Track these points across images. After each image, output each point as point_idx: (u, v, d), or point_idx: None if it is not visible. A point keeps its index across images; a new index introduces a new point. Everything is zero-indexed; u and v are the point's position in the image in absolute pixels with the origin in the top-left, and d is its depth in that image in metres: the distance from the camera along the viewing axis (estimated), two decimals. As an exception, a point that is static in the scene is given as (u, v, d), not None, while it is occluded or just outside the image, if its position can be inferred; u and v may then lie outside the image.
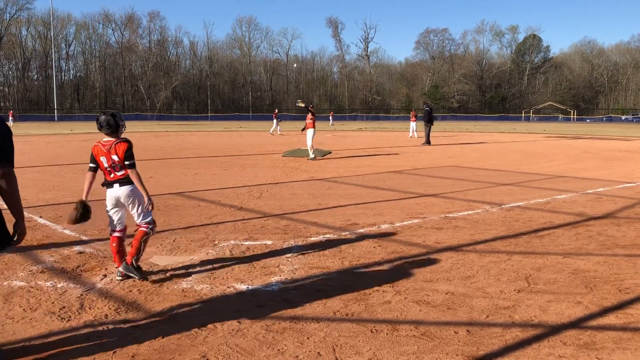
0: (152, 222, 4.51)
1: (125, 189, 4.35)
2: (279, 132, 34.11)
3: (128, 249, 4.57)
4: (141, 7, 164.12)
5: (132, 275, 4.40)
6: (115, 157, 4.31)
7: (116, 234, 4.50)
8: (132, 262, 4.42)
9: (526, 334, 3.46)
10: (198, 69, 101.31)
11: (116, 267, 4.52)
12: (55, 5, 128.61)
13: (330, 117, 63.05)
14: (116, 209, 4.43)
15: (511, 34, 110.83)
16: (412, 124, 29.90)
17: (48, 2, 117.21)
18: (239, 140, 27.15)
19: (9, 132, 2.89)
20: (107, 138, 4.37)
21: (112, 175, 4.34)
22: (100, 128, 4.37)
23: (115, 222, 4.47)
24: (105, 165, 4.34)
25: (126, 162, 4.30)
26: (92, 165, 4.41)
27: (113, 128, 4.35)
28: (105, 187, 4.40)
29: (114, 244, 4.49)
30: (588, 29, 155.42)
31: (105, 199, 4.45)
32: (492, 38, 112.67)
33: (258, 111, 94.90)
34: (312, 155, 16.31)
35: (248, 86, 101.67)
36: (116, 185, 4.34)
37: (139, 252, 4.45)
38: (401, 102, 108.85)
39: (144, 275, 4.46)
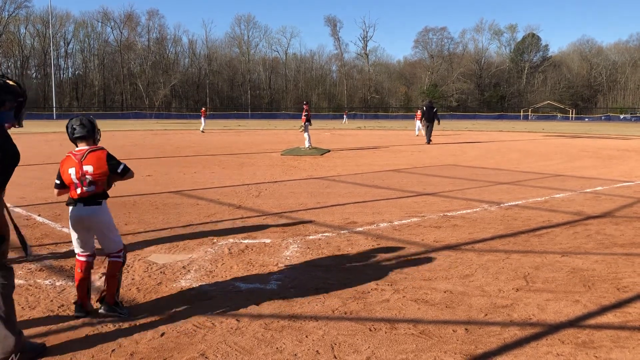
0: (124, 249, 3.83)
1: (91, 209, 3.63)
2: (202, 130, 34.48)
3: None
4: (140, 5, 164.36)
5: (118, 314, 3.66)
6: (88, 168, 3.58)
7: (81, 258, 3.74)
8: (115, 301, 3.70)
9: (524, 332, 3.46)
10: (197, 67, 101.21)
11: (75, 302, 3.74)
12: (54, 3, 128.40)
13: (345, 116, 64.41)
14: (81, 231, 3.70)
15: (510, 32, 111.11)
16: (418, 123, 30.11)
17: (47, 0, 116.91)
18: (237, 139, 27.13)
19: (4, 155, 2.79)
20: (79, 147, 3.68)
21: (78, 191, 3.60)
22: (73, 132, 3.66)
23: (79, 245, 3.74)
24: (73, 177, 3.59)
25: (118, 171, 3.66)
26: (57, 181, 3.68)
27: (88, 128, 3.66)
28: (68, 206, 3.70)
29: (78, 270, 3.72)
30: (587, 28, 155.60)
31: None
32: (491, 37, 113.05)
33: (257, 110, 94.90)
34: (307, 144, 18.92)
35: (247, 85, 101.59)
36: (80, 205, 3.61)
37: (118, 288, 3.76)
38: (400, 101, 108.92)
39: (130, 312, 3.74)
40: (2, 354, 2.95)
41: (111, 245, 3.76)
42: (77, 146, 3.72)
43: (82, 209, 3.63)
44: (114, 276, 3.72)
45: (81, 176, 3.60)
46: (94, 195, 3.64)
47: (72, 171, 3.61)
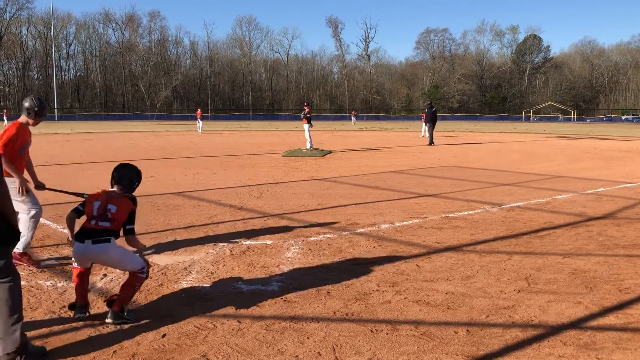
0: (147, 265, 3.83)
1: (99, 247, 3.59)
2: (200, 131, 34.76)
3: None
4: (141, 7, 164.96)
5: (124, 321, 3.59)
6: (112, 207, 3.70)
7: (79, 267, 3.74)
8: (122, 308, 3.62)
9: (526, 334, 3.46)
10: (198, 68, 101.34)
11: (73, 303, 3.73)
12: (56, 4, 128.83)
13: (353, 117, 64.26)
14: (85, 263, 3.71)
15: (511, 34, 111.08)
16: (424, 125, 30.24)
17: (48, 2, 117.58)
18: (239, 140, 27.15)
19: None
20: (113, 188, 3.88)
21: (92, 223, 3.64)
22: (115, 178, 3.87)
23: (78, 264, 3.72)
24: (95, 210, 3.68)
25: (127, 227, 3.75)
26: (79, 207, 3.78)
27: (128, 182, 3.87)
28: (73, 240, 3.67)
29: (77, 275, 3.71)
30: (588, 29, 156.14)
31: None
32: (493, 38, 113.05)
33: (258, 111, 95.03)
34: (308, 146, 18.98)
35: (248, 86, 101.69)
36: (88, 242, 3.57)
37: (131, 298, 3.77)
38: (401, 102, 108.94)
39: (136, 316, 3.67)
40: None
41: (129, 268, 3.75)
42: (112, 187, 3.91)
43: (90, 246, 3.58)
44: (132, 286, 3.72)
45: (102, 211, 3.69)
46: (105, 231, 3.63)
47: (96, 204, 3.72)
